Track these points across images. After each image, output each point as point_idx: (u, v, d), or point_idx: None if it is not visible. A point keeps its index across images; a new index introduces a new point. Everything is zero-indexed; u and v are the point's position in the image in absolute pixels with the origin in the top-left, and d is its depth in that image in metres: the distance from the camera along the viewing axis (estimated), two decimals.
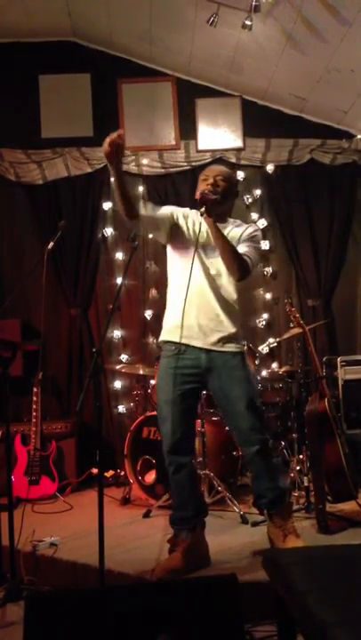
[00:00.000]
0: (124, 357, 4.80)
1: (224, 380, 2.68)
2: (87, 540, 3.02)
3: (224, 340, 2.68)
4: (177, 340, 2.69)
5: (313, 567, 1.73)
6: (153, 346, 4.82)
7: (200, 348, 2.68)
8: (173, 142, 4.86)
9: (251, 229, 2.79)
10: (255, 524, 3.22)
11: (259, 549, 2.82)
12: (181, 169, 4.85)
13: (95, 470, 4.13)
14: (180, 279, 2.71)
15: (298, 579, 1.63)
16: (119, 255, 4.87)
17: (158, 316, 4.77)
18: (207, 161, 4.82)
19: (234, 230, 2.77)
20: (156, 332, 4.80)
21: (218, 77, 4.78)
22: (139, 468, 3.80)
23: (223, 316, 2.69)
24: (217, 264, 2.70)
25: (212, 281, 2.70)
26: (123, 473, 4.22)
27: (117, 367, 4.40)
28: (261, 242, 2.84)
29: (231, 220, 2.87)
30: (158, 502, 3.55)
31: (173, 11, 4.13)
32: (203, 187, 2.72)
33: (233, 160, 4.84)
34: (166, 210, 2.80)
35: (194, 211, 2.79)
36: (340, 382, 4.10)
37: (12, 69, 4.81)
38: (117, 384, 4.80)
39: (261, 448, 2.66)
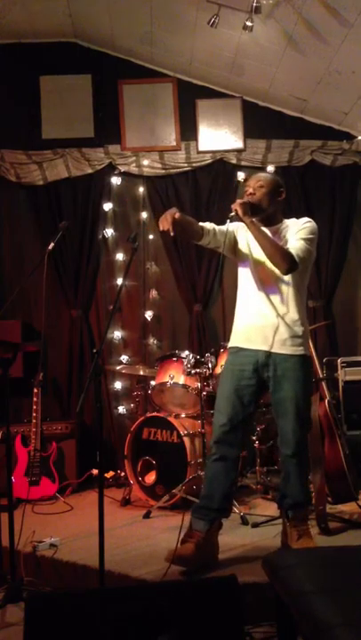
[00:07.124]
0: (124, 358, 4.79)
1: (279, 377, 2.73)
2: (87, 541, 3.03)
3: (283, 341, 2.73)
4: (239, 345, 2.80)
5: (313, 568, 1.73)
6: (153, 347, 4.83)
7: (260, 350, 2.75)
8: (174, 143, 4.86)
9: (300, 223, 2.80)
10: (255, 526, 3.23)
11: (259, 550, 2.82)
12: (182, 170, 4.86)
13: (95, 471, 4.14)
14: (242, 287, 2.86)
15: (298, 580, 1.64)
16: (120, 256, 4.87)
17: (159, 317, 4.78)
18: (208, 162, 4.83)
19: (290, 228, 2.81)
20: (157, 333, 4.85)
21: (219, 78, 4.78)
22: (139, 468, 3.80)
23: (283, 319, 2.74)
24: (272, 268, 2.73)
25: (270, 285, 2.76)
26: (123, 474, 4.22)
27: (118, 368, 4.40)
28: (313, 231, 2.80)
29: (286, 220, 2.88)
30: (158, 503, 3.55)
31: (174, 12, 4.14)
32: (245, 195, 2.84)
33: (233, 161, 4.85)
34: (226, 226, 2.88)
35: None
36: (341, 384, 4.10)
37: (13, 70, 4.81)
38: (118, 385, 4.80)
39: (296, 452, 2.71)
